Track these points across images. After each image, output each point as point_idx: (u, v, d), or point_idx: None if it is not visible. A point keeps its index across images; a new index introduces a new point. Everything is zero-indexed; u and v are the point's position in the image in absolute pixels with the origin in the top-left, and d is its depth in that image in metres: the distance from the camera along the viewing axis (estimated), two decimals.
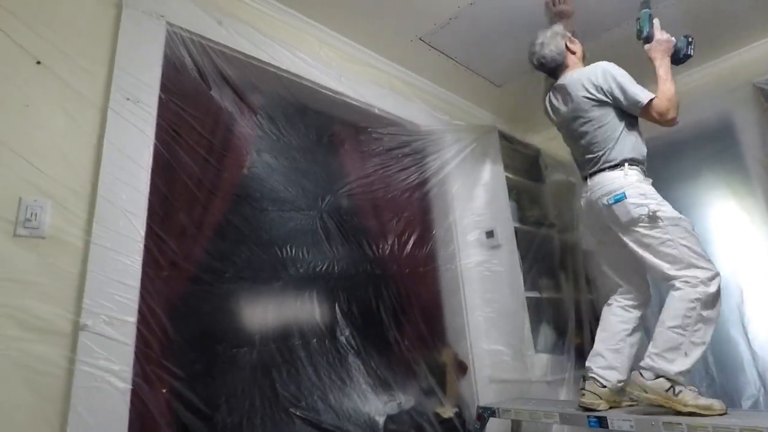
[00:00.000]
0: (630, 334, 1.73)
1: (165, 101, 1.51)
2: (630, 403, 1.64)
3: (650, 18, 1.74)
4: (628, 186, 1.63)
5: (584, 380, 1.69)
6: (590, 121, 1.74)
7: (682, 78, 2.71)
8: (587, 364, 1.72)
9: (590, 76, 1.74)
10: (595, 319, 2.64)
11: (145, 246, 1.33)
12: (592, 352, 1.74)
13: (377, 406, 1.86)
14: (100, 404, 1.15)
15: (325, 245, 1.97)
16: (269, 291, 1.75)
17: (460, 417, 2.08)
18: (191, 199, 1.54)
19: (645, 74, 1.71)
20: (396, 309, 2.10)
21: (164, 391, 1.35)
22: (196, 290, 1.52)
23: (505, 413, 1.79)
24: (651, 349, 1.52)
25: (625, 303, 1.78)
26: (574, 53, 1.88)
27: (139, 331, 1.27)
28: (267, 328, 1.70)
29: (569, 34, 1.90)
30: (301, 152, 2.01)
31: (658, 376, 1.47)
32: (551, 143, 2.78)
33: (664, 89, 1.64)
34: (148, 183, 1.38)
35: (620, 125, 1.72)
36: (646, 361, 1.51)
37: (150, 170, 1.39)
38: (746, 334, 2.36)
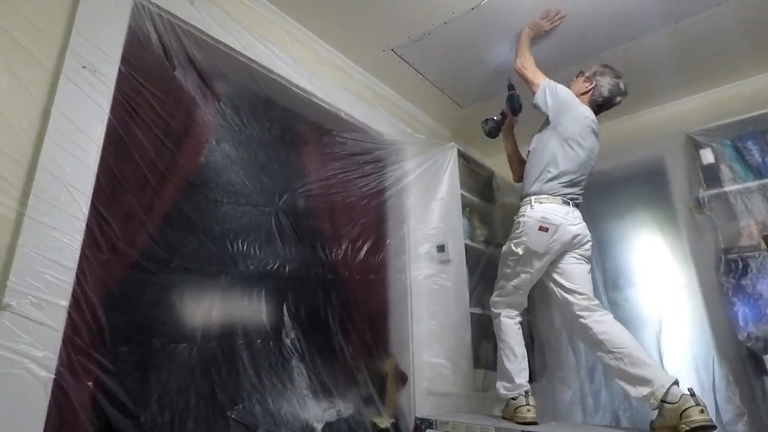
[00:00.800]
0: None
1: (125, 74, 1.42)
2: None
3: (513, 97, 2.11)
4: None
5: (527, 396, 1.75)
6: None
7: (624, 121, 2.97)
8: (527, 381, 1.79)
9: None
10: (531, 339, 2.77)
11: (87, 225, 1.23)
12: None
13: (316, 412, 1.82)
14: (16, 393, 1.04)
15: (278, 244, 1.92)
16: (216, 286, 1.67)
17: (396, 427, 2.08)
18: (142, 181, 1.45)
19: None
20: (344, 315, 2.08)
21: (90, 384, 1.24)
22: (136, 278, 1.42)
23: (442, 425, 1.82)
24: None
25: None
26: None
27: (69, 316, 1.16)
28: (210, 324, 1.61)
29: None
30: (262, 147, 1.96)
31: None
32: (502, 167, 2.91)
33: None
34: (98, 159, 1.28)
35: None
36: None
37: (101, 145, 1.30)
38: (662, 362, 2.56)
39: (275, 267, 1.88)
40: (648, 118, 2.91)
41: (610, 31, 2.14)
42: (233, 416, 1.54)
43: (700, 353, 2.43)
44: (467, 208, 2.69)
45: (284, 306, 1.88)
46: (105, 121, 1.32)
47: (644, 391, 1.51)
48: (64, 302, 1.15)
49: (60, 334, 1.13)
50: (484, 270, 2.59)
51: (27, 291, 1.09)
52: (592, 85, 1.95)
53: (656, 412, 1.50)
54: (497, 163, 3.04)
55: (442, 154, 2.63)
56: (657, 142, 2.78)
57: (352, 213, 2.23)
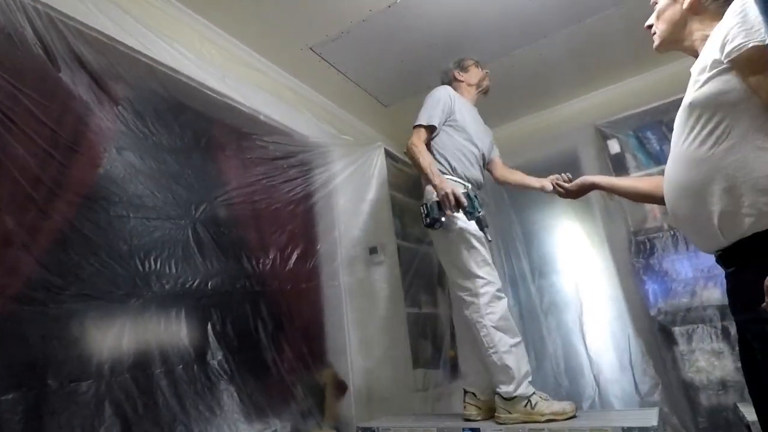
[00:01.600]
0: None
1: None
2: None
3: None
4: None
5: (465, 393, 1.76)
6: None
7: (539, 115, 3.12)
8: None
9: None
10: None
11: None
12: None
13: None
14: None
15: (197, 258, 1.76)
16: (125, 311, 1.49)
17: None
18: (24, 200, 1.25)
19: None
20: (276, 328, 1.97)
21: None
22: (21, 312, 1.23)
23: None
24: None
25: None
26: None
27: None
28: (120, 355, 1.44)
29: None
30: (173, 154, 1.80)
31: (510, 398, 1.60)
32: None
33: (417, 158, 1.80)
34: None
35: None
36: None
37: None
38: (584, 342, 2.72)
39: (195, 284, 1.73)
40: (560, 114, 3.07)
41: (521, 29, 2.22)
42: None
43: (617, 331, 2.61)
44: (397, 207, 2.68)
45: (208, 325, 1.74)
46: None
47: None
48: None
49: None
50: (417, 269, 2.59)
51: None
52: None
53: None
54: None
55: (369, 154, 2.59)
56: (569, 135, 2.95)
57: (278, 220, 2.12)
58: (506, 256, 2.99)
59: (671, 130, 1.06)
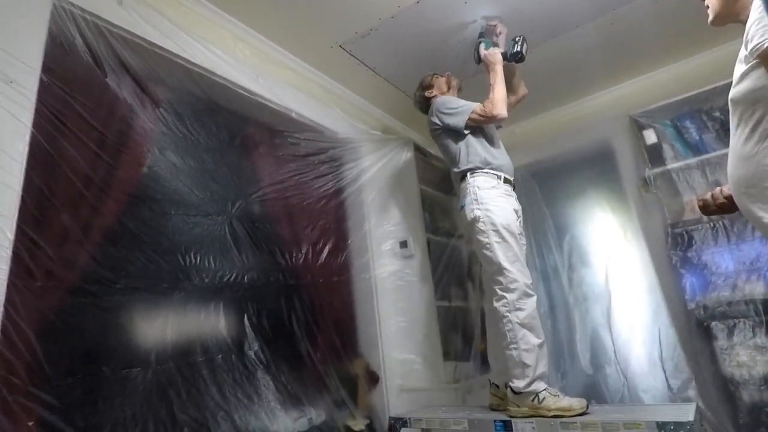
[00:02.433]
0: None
1: (47, 85, 1.31)
2: None
3: (478, 45, 2.11)
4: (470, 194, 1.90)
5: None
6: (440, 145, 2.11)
7: (572, 106, 3.06)
8: None
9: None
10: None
11: (14, 252, 1.12)
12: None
13: (286, 424, 1.77)
14: None
15: (234, 253, 1.84)
16: (169, 303, 1.58)
17: (371, 428, 2.06)
18: (77, 198, 1.34)
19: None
20: (308, 320, 2.02)
21: (31, 424, 1.14)
22: (77, 303, 1.32)
23: (416, 423, 1.81)
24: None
25: None
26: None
27: (0, 354, 1.06)
28: (165, 344, 1.52)
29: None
30: (210, 153, 1.87)
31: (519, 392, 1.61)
32: None
33: (492, 96, 1.95)
34: (22, 178, 1.17)
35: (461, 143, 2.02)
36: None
37: (25, 163, 1.19)
38: (611, 334, 2.66)
39: (232, 278, 1.80)
40: (594, 103, 3.00)
41: (552, 20, 2.18)
42: None
43: (648, 325, 2.54)
44: (427, 201, 2.69)
45: (245, 317, 1.81)
46: (27, 137, 1.20)
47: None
48: None
49: None
50: (447, 262, 2.60)
51: None
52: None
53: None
54: None
55: (399, 149, 2.61)
56: (603, 126, 2.87)
57: (310, 215, 2.17)
58: (537, 249, 2.96)
59: (711, 118, 1.07)
